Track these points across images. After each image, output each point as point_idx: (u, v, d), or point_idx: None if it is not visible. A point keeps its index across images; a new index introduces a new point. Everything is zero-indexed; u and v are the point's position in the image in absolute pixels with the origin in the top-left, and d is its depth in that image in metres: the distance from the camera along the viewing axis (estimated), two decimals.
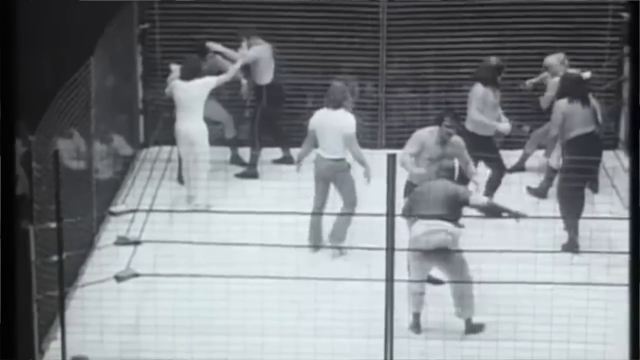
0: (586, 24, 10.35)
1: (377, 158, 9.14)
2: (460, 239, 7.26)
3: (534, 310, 6.99)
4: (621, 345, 6.76)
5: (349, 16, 10.50)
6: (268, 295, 7.26)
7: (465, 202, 7.31)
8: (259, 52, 9.86)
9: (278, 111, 10.23)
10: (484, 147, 8.89)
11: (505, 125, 9.11)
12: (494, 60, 9.24)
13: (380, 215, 6.40)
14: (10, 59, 4.80)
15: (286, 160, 10.25)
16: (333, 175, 8.38)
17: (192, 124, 9.02)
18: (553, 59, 9.60)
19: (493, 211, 7.44)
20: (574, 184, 8.42)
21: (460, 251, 7.20)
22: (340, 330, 7.10)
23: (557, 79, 9.37)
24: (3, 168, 4.83)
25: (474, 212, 7.48)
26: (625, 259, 7.59)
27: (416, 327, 7.31)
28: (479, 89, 9.10)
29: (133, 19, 10.47)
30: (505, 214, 7.42)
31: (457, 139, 8.17)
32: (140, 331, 7.24)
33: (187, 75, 9.12)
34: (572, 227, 8.44)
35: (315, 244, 8.34)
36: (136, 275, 6.58)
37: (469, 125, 9.06)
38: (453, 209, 7.26)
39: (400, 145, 9.89)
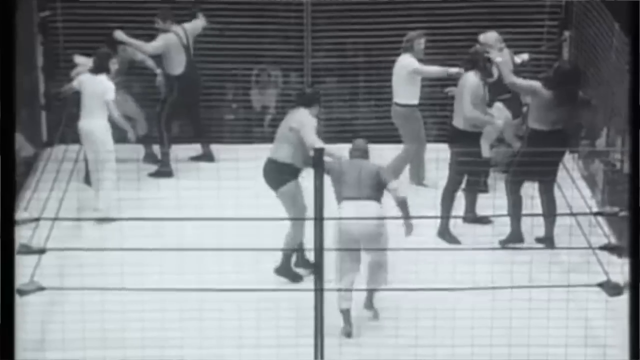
0: (523, 7, 10.55)
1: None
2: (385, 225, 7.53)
3: (473, 313, 7.11)
4: (565, 347, 7.01)
5: (271, 0, 10.54)
6: (187, 305, 7.26)
7: (385, 183, 7.58)
8: (167, 40, 9.83)
9: (192, 103, 10.19)
10: (473, 146, 8.80)
11: (499, 123, 8.96)
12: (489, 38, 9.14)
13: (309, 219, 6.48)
14: (10, 59, 5.07)
15: (206, 157, 10.24)
16: (402, 122, 9.55)
17: (95, 121, 8.98)
18: (488, 37, 9.73)
19: (402, 208, 7.61)
20: (523, 178, 8.59)
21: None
22: (267, 340, 7.14)
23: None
24: (3, 168, 5.05)
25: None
26: (566, 257, 7.84)
27: (348, 326, 7.41)
28: (471, 79, 8.85)
29: (32, 6, 10.34)
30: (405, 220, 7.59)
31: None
32: (46, 348, 7.18)
33: (96, 69, 9.06)
34: (516, 223, 8.58)
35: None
36: (42, 288, 6.51)
37: (457, 122, 8.90)
38: (374, 189, 7.56)
39: (328, 139, 9.99)
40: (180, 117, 10.21)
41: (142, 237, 7.64)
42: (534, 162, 8.43)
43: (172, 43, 9.87)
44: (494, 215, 8.72)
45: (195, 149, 10.39)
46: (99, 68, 9.05)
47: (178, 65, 9.92)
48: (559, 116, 8.52)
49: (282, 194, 8.07)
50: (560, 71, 8.62)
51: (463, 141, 8.78)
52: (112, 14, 10.31)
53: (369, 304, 7.68)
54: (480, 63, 8.89)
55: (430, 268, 7.35)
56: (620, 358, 6.98)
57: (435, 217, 8.65)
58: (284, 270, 8.05)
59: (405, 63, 9.59)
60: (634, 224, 5.45)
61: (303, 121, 8.05)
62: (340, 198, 7.58)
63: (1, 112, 5.12)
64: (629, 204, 5.48)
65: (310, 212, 6.88)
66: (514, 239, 8.59)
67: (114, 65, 9.16)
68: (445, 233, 8.84)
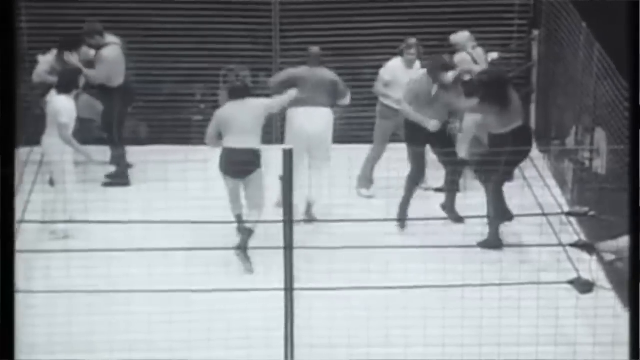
0: (492, 7, 10.64)
1: (272, 155, 9.30)
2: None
3: (443, 312, 7.16)
4: (537, 345, 7.07)
5: (240, 0, 10.55)
6: (155, 308, 7.26)
7: (343, 93, 9.07)
8: (108, 56, 9.73)
9: (126, 113, 10.06)
10: (437, 141, 8.89)
11: (432, 124, 8.89)
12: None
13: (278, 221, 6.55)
14: (10, 59, 5.20)
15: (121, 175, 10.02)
16: (378, 121, 9.85)
17: (51, 140, 8.92)
18: (459, 37, 9.82)
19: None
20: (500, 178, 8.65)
21: None
22: (237, 341, 7.16)
23: (464, 54, 9.62)
24: (3, 168, 5.16)
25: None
26: (537, 255, 7.91)
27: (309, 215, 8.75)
28: (416, 77, 9.13)
29: None
30: None
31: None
32: (16, 351, 7.15)
33: (58, 89, 8.99)
34: (496, 224, 8.62)
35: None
36: None
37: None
38: (328, 96, 8.94)
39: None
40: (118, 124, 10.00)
41: (110, 239, 7.65)
42: (498, 162, 8.51)
43: (113, 57, 9.77)
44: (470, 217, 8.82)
45: (162, 150, 10.34)
46: (61, 88, 8.98)
47: (118, 76, 9.81)
48: (505, 120, 8.57)
49: (251, 181, 8.45)
50: (481, 82, 8.71)
51: (414, 137, 8.93)
52: (76, 14, 10.27)
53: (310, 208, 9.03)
54: (430, 67, 8.99)
55: (400, 267, 7.40)
56: (590, 356, 7.06)
57: (401, 219, 8.71)
58: (242, 250, 8.32)
59: (386, 65, 9.70)
60: (634, 224, 5.50)
61: (263, 102, 8.61)
62: (296, 103, 8.82)
63: (1, 112, 5.19)
64: (629, 205, 5.53)
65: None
66: (491, 244, 8.60)
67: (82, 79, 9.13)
68: (403, 209, 8.99)
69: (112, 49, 9.81)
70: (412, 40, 9.65)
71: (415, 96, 8.95)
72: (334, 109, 9.19)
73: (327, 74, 9.10)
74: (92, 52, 9.81)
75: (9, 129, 5.21)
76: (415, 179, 9.02)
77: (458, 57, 9.74)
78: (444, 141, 8.96)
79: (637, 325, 5.53)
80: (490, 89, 8.60)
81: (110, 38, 9.88)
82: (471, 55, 9.76)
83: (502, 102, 8.54)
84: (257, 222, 8.37)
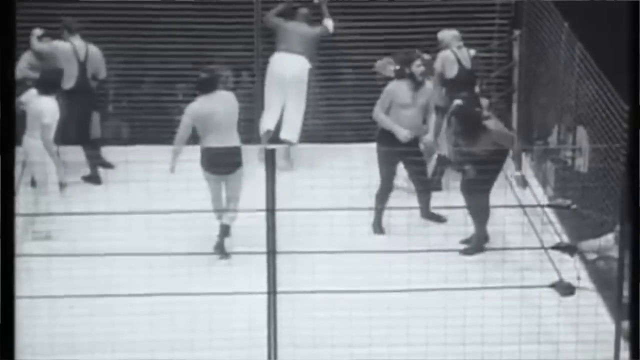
0: (473, 6, 10.65)
1: (253, 155, 9.32)
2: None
3: (427, 312, 7.17)
4: (518, 346, 7.10)
5: (221, 0, 10.54)
6: (137, 308, 7.24)
7: (323, 30, 10.22)
8: (57, 47, 9.64)
9: (79, 121, 9.82)
10: (406, 153, 8.83)
11: (404, 134, 8.87)
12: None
13: (260, 210, 6.53)
14: (9, 59, 5.20)
15: (93, 179, 9.88)
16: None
17: (34, 141, 8.86)
18: (446, 34, 9.82)
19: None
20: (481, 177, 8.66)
21: None
22: (220, 341, 7.15)
23: (448, 52, 9.62)
24: (3, 168, 5.16)
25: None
26: (519, 256, 7.94)
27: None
28: (390, 85, 9.07)
29: None
30: None
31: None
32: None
33: (40, 90, 8.93)
34: (482, 225, 8.62)
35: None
36: None
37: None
38: (307, 47, 10.06)
39: (278, 140, 10.01)
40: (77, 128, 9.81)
41: (93, 240, 7.63)
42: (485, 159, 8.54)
43: (62, 52, 9.64)
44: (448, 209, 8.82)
45: (138, 150, 10.29)
46: (43, 88, 8.91)
47: (67, 78, 9.58)
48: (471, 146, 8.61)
49: (231, 181, 8.53)
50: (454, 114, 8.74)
51: (384, 141, 8.90)
52: (58, 14, 10.22)
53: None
54: (406, 71, 8.96)
55: (384, 267, 7.40)
56: (573, 354, 7.09)
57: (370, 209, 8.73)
58: (220, 246, 8.45)
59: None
60: (634, 224, 5.51)
61: (235, 102, 8.66)
62: (278, 50, 10.07)
63: (1, 111, 5.16)
64: (629, 207, 5.54)
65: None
66: (476, 249, 8.61)
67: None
68: (376, 226, 8.95)
69: (63, 45, 9.67)
70: (412, 53, 9.41)
71: (391, 102, 8.92)
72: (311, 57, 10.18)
73: (310, 31, 10.19)
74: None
75: (9, 129, 5.17)
76: (383, 198, 8.98)
77: (441, 55, 9.73)
78: (415, 159, 8.91)
79: (637, 325, 5.55)
80: (460, 123, 8.61)
81: (76, 40, 9.77)
82: (455, 55, 9.76)
83: (468, 137, 8.53)
84: (236, 214, 8.44)
